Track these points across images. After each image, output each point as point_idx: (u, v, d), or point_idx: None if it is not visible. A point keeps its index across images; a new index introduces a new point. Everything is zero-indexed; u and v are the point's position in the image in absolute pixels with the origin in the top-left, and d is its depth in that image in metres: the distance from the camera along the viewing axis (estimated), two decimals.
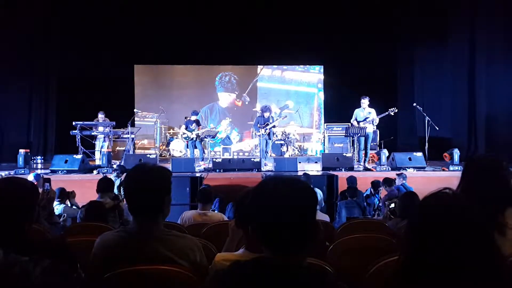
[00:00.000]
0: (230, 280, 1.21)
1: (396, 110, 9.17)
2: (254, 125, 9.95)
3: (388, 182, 6.33)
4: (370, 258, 2.16)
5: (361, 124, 9.04)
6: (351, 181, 6.94)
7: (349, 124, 9.38)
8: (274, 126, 9.84)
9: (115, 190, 5.50)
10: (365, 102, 9.11)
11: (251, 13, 11.85)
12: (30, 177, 5.73)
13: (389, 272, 1.27)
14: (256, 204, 1.28)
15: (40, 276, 1.06)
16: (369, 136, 9.14)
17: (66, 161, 8.34)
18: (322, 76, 13.37)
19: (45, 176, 5.95)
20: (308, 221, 1.27)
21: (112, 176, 6.27)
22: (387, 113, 9.11)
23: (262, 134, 9.63)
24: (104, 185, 4.79)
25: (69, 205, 5.52)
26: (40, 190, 3.85)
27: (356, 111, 9.23)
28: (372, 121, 9.06)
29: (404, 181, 6.74)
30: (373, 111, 9.13)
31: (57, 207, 5.17)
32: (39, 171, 8.16)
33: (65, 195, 5.45)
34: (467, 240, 1.15)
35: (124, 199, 2.40)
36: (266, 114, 9.77)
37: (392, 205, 4.89)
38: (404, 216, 3.81)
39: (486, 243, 1.16)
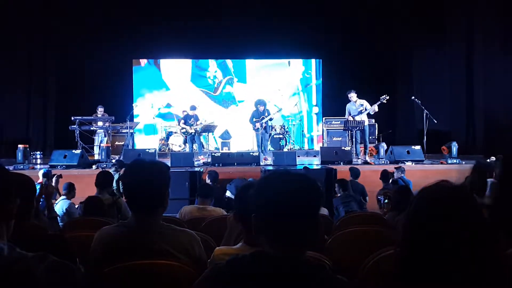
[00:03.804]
0: (228, 273, 1.21)
1: (388, 97, 9.05)
2: (250, 119, 9.78)
3: (385, 176, 6.33)
4: (368, 251, 2.17)
5: (357, 118, 9.01)
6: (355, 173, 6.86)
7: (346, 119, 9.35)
8: (271, 119, 9.76)
9: (114, 185, 5.47)
10: (353, 96, 9.07)
11: (250, 8, 11.80)
12: (40, 173, 5.70)
13: (387, 265, 1.27)
14: (261, 197, 1.27)
15: (44, 273, 1.06)
16: (365, 129, 9.12)
17: (65, 156, 8.32)
18: (318, 71, 13.31)
19: (54, 172, 5.89)
20: (312, 216, 1.26)
21: (111, 170, 6.25)
22: (379, 102, 8.99)
23: (258, 128, 9.57)
24: (103, 180, 4.75)
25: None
26: (38, 185, 3.84)
27: (348, 106, 9.16)
28: (369, 111, 9.00)
29: (402, 175, 6.75)
30: (364, 101, 9.07)
31: (62, 202, 5.04)
32: (38, 166, 8.15)
33: (72, 190, 5.33)
34: (465, 233, 1.14)
35: (123, 195, 2.40)
36: (261, 108, 9.67)
37: (386, 200, 4.90)
38: (398, 209, 3.83)
39: (485, 236, 1.15)
